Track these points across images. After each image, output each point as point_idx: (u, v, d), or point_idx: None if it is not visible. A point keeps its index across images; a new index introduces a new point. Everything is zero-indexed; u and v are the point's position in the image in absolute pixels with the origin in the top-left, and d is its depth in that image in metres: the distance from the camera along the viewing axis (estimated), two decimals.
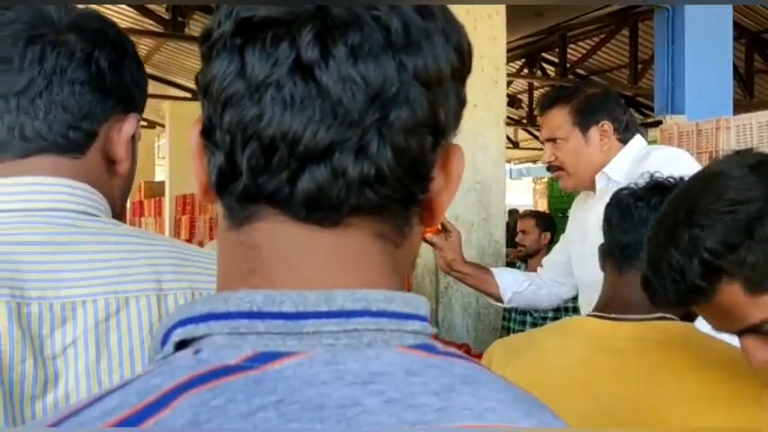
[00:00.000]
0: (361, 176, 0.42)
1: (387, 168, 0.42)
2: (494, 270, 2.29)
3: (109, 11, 8.51)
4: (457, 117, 0.47)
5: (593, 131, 1.94)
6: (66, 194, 0.79)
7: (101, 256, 0.76)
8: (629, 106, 10.90)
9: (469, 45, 0.48)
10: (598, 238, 2.05)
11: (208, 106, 0.44)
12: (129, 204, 13.05)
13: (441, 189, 0.48)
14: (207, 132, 0.45)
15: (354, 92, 0.41)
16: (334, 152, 0.42)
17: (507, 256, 4.51)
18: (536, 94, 11.74)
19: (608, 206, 1.28)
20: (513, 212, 6.16)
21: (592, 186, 2.00)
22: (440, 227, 2.16)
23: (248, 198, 0.44)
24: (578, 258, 2.09)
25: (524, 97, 11.83)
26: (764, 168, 0.84)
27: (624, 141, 1.96)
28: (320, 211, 0.43)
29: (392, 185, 0.43)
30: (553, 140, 1.97)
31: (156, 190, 11.85)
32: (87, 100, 0.80)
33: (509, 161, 10.06)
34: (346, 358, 0.41)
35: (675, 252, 0.84)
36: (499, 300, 2.26)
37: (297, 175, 0.42)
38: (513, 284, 2.23)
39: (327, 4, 0.42)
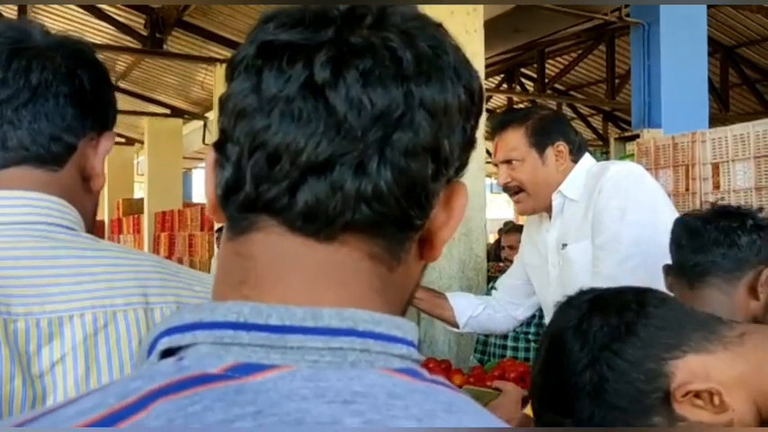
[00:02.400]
0: (359, 192, 0.43)
1: (384, 187, 0.43)
2: (448, 294, 2.25)
3: (88, 27, 8.49)
4: (463, 152, 0.48)
5: (549, 152, 1.96)
6: (47, 208, 0.79)
7: (86, 270, 0.76)
8: (607, 121, 11.03)
9: (481, 88, 0.50)
10: (560, 256, 2.06)
11: (223, 120, 0.46)
12: (107, 222, 12.94)
13: (442, 224, 0.48)
14: (220, 146, 0.47)
15: (360, 111, 0.43)
16: (334, 166, 0.43)
17: (489, 270, 4.51)
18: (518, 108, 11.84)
19: (674, 230, 1.39)
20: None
21: (548, 208, 2.02)
22: None
23: (248, 207, 0.45)
24: (540, 281, 2.08)
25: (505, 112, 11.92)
26: (585, 326, 0.85)
27: (576, 161, 1.99)
28: (316, 222, 0.44)
29: (389, 204, 0.44)
30: (509, 162, 1.97)
31: (134, 207, 11.77)
32: (70, 113, 0.82)
33: (489, 176, 10.11)
34: (329, 376, 0.41)
35: None
36: (454, 325, 2.21)
37: (297, 186, 0.43)
38: (468, 309, 2.20)
39: (345, 34, 0.44)
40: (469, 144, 0.49)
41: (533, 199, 1.99)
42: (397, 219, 0.45)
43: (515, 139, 1.96)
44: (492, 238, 8.68)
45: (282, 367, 0.41)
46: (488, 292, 2.66)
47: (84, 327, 0.73)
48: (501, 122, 2.02)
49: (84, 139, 0.84)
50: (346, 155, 0.43)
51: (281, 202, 0.44)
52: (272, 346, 0.41)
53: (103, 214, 13.21)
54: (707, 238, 1.28)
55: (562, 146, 1.95)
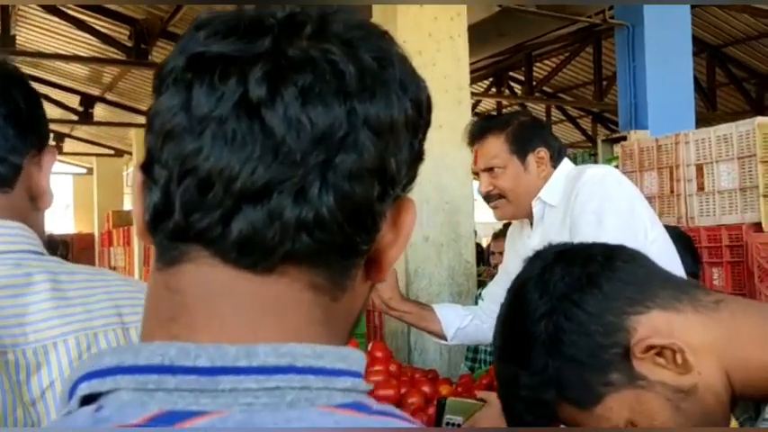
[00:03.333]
0: (299, 220, 0.40)
1: (327, 213, 0.41)
2: (435, 306, 2.22)
3: (72, 40, 8.46)
4: (411, 168, 0.46)
5: (531, 158, 1.93)
6: (12, 235, 0.80)
7: (61, 294, 0.76)
8: (596, 122, 11.03)
9: (428, 99, 0.47)
10: None
11: (150, 139, 0.43)
12: (97, 235, 12.87)
13: (389, 244, 0.46)
14: (147, 167, 0.43)
15: (299, 133, 0.40)
16: (272, 193, 0.40)
17: (480, 275, 4.49)
18: (505, 111, 11.85)
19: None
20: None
21: (528, 215, 2.00)
22: None
23: (179, 236, 0.42)
24: None
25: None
26: (547, 276, 0.81)
27: (555, 167, 1.97)
28: (252, 254, 0.41)
29: (331, 232, 0.41)
30: (490, 170, 1.94)
31: (124, 219, 11.70)
32: (11, 134, 0.82)
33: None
34: (264, 419, 0.38)
35: (503, 391, 0.85)
36: (442, 337, 2.19)
37: (231, 215, 0.40)
38: (455, 320, 2.17)
39: (283, 45, 0.41)
40: (417, 159, 0.47)
41: (514, 206, 1.98)
42: (341, 246, 0.42)
43: (496, 147, 1.94)
44: (485, 242, 8.71)
45: (213, 413, 0.38)
46: (477, 299, 2.64)
47: (69, 352, 0.74)
48: (480, 130, 1.99)
49: (27, 158, 0.85)
50: (285, 181, 0.40)
51: (214, 233, 0.40)
52: (201, 390, 0.39)
53: (93, 227, 13.18)
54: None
55: (543, 152, 1.94)
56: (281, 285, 0.42)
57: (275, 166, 0.40)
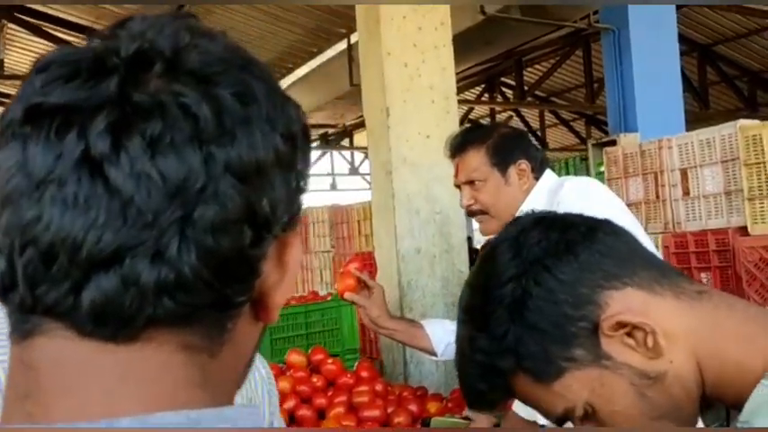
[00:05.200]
0: (158, 283, 0.37)
1: (190, 273, 0.37)
2: (424, 322, 2.19)
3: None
4: (291, 204, 0.42)
5: (512, 171, 1.91)
6: None
7: None
8: (589, 125, 11.01)
9: (304, 127, 0.44)
10: None
11: None
12: None
13: (275, 284, 0.42)
14: None
15: (150, 189, 0.36)
16: (124, 258, 0.36)
17: None
18: (498, 117, 11.86)
19: None
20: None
21: None
22: (360, 282, 2.10)
23: (28, 309, 0.38)
24: None
25: (487, 122, 11.94)
26: (522, 238, 0.76)
27: (538, 179, 1.94)
28: (109, 324, 0.37)
29: (198, 292, 0.38)
30: (471, 183, 1.92)
31: None
32: None
33: None
34: None
35: (459, 356, 0.80)
36: (432, 353, 2.15)
37: (80, 285, 0.37)
38: (444, 336, 2.12)
39: (128, 89, 0.38)
40: (297, 192, 0.43)
41: (497, 220, 1.96)
42: (213, 303, 0.39)
43: (477, 160, 1.91)
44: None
45: None
46: None
47: None
48: (461, 143, 1.96)
49: None
50: (137, 245, 0.36)
51: (64, 306, 0.37)
52: None
53: None
54: None
55: (524, 164, 1.91)
56: (147, 352, 0.38)
57: (125, 230, 0.36)
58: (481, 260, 0.80)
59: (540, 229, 0.76)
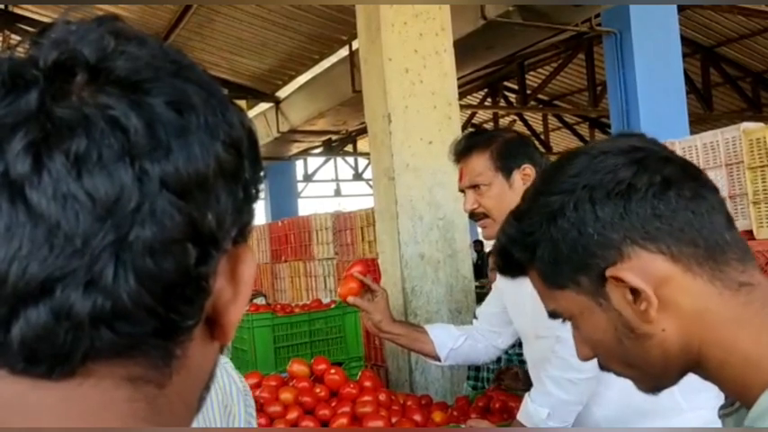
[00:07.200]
0: (94, 314, 0.34)
1: (129, 300, 0.34)
2: (427, 327, 2.20)
3: None
4: (240, 214, 0.39)
5: (516, 175, 1.90)
6: None
7: None
8: (593, 128, 11.01)
9: (250, 132, 0.41)
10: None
11: None
12: None
13: (229, 301, 0.40)
14: None
15: (77, 212, 0.33)
16: (53, 289, 0.33)
17: (483, 288, 4.44)
18: (501, 122, 11.86)
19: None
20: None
21: None
22: (363, 286, 2.09)
23: None
24: (515, 306, 2.03)
25: (490, 126, 11.93)
26: (598, 160, 0.76)
27: None
28: (43, 361, 0.35)
29: (139, 320, 0.35)
30: (475, 187, 1.92)
31: None
32: None
33: None
34: None
35: (500, 227, 0.88)
36: (436, 358, 2.16)
37: (8, 321, 0.34)
38: (448, 341, 2.15)
39: (50, 103, 0.34)
40: (247, 200, 0.40)
41: (499, 225, 1.95)
42: (158, 330, 0.36)
43: (481, 164, 1.91)
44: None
45: None
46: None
47: None
48: (466, 147, 1.96)
49: None
50: (67, 275, 0.33)
51: None
52: None
53: None
54: None
55: (528, 168, 1.90)
56: (86, 388, 0.36)
57: (51, 258, 0.33)
58: (559, 160, 0.82)
59: (621, 159, 0.75)
